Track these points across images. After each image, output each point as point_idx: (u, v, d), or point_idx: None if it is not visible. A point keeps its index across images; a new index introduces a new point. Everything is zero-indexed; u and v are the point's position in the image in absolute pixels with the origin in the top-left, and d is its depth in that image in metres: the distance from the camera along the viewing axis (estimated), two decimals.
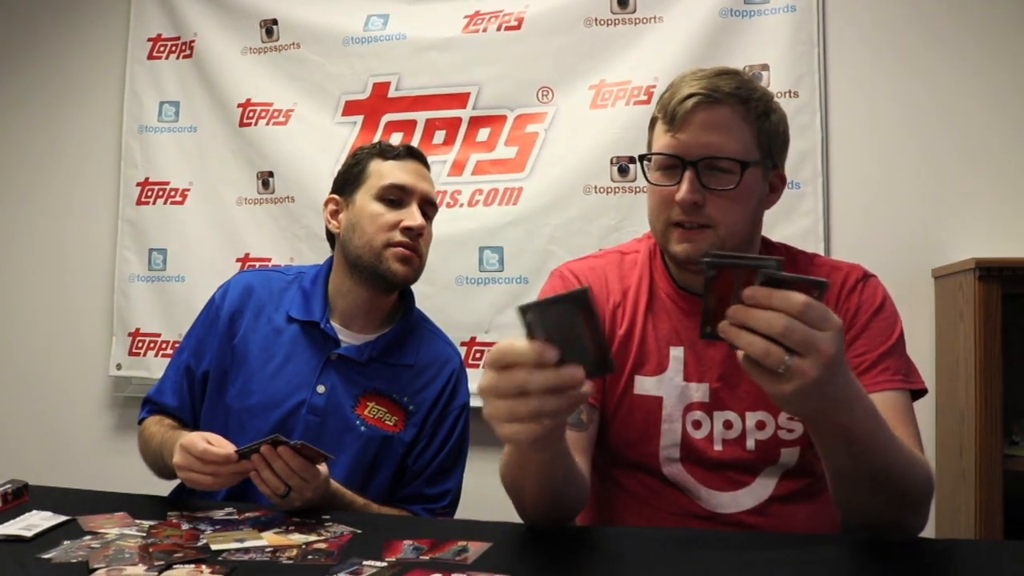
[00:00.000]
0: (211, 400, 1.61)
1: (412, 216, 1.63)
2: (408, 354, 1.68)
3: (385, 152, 1.69)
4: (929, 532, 1.83)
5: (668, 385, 1.36)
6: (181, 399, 1.66)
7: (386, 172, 1.66)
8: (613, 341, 1.39)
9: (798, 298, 0.85)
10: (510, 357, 0.87)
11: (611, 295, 1.41)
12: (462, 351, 2.79)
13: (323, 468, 1.37)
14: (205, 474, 1.36)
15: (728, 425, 1.35)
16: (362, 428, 1.59)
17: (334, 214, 1.73)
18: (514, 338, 0.88)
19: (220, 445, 1.37)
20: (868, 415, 0.99)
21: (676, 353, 1.36)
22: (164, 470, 1.50)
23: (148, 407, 1.71)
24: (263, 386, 1.60)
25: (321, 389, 1.60)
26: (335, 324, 1.66)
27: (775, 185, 1.36)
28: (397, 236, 1.62)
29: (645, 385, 1.37)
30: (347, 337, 1.65)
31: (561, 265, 1.49)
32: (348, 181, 1.71)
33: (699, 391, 1.35)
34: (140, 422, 1.71)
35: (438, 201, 1.76)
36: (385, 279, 1.62)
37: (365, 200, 1.66)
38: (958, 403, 2.32)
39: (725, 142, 1.26)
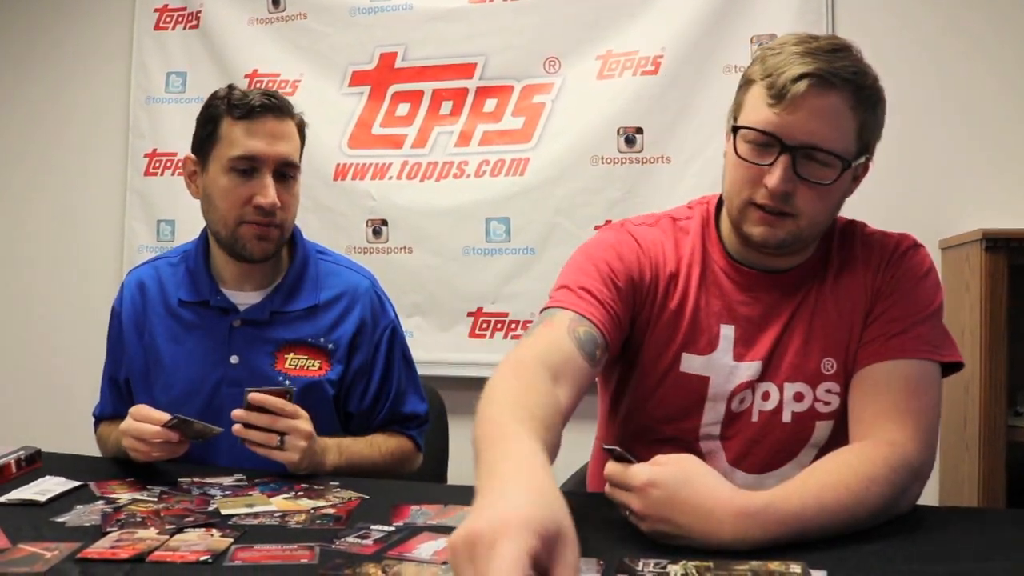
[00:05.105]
0: (141, 400, 1.57)
1: (264, 192, 1.53)
2: (308, 295, 1.63)
3: (235, 108, 1.54)
4: (932, 501, 1.84)
5: (716, 365, 1.30)
6: (117, 406, 1.67)
7: (236, 139, 1.53)
8: (663, 313, 1.32)
9: (607, 469, 1.07)
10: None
11: (667, 263, 1.33)
12: (468, 322, 2.84)
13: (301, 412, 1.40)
14: (152, 451, 1.38)
15: (766, 396, 1.31)
16: (287, 383, 1.56)
17: (192, 176, 1.62)
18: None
19: (149, 419, 1.38)
20: (767, 529, 0.99)
21: (727, 331, 1.31)
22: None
23: (96, 424, 1.73)
24: (180, 375, 1.59)
25: (234, 360, 1.58)
26: (228, 291, 1.62)
27: (859, 174, 1.28)
28: (250, 213, 1.54)
29: (693, 364, 1.31)
30: (245, 299, 1.62)
31: (619, 222, 1.41)
32: (202, 141, 1.59)
33: (750, 370, 1.30)
34: (96, 433, 1.73)
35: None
36: (243, 256, 1.58)
37: (216, 171, 1.55)
38: (963, 374, 2.30)
39: (830, 134, 1.18)
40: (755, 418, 1.31)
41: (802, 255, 1.32)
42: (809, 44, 1.19)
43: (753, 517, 0.98)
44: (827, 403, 1.30)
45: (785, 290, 1.32)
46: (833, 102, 1.17)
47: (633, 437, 1.40)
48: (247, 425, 1.38)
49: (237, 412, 1.37)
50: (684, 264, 1.34)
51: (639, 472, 1.01)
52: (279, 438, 1.36)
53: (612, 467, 1.04)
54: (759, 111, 1.20)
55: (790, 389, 1.30)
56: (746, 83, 1.26)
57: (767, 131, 1.19)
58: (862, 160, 1.25)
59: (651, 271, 1.33)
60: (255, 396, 1.37)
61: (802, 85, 1.15)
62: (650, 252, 1.34)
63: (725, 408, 1.32)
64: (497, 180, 2.81)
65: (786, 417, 1.31)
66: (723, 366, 1.31)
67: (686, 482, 1.00)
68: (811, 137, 1.18)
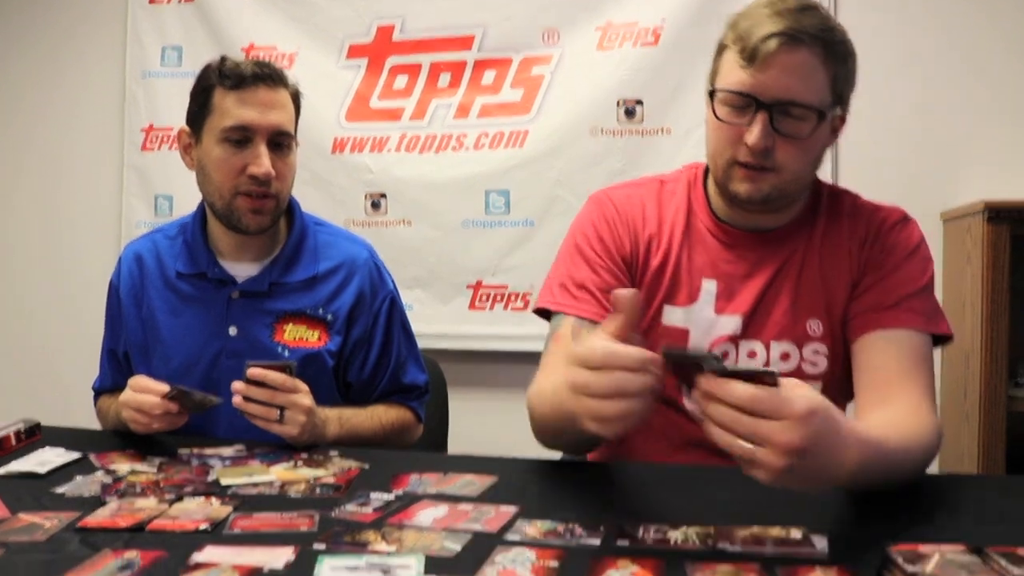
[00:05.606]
0: (140, 372, 1.56)
1: (257, 161, 1.51)
2: (307, 266, 1.63)
3: (227, 78, 1.53)
4: (931, 471, 1.85)
5: (697, 317, 1.34)
6: (116, 379, 1.67)
7: (228, 109, 1.52)
8: (646, 272, 1.37)
9: (742, 391, 0.82)
10: (612, 360, 0.88)
11: (647, 224, 1.38)
12: (468, 294, 2.84)
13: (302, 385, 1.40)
14: (152, 422, 1.38)
15: (752, 355, 1.33)
16: (285, 354, 1.56)
17: (187, 149, 1.62)
18: (603, 337, 0.90)
19: (149, 391, 1.38)
20: (879, 470, 0.98)
21: (708, 286, 1.35)
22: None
23: (96, 397, 1.74)
24: (178, 348, 1.59)
25: (233, 331, 1.57)
26: (226, 263, 1.62)
27: (836, 126, 1.32)
28: (245, 184, 1.53)
29: (673, 316, 1.35)
30: (243, 271, 1.61)
31: (600, 190, 1.46)
32: (196, 113, 1.58)
33: (731, 323, 1.33)
34: (95, 406, 1.73)
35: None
36: (239, 228, 1.57)
37: (210, 142, 1.54)
38: (963, 345, 2.32)
39: (803, 88, 1.22)
40: None
41: (787, 214, 1.35)
42: (777, 6, 1.23)
43: (868, 456, 0.94)
44: (814, 364, 1.33)
45: (769, 248, 1.35)
46: (804, 57, 1.21)
47: None
48: (247, 398, 1.37)
49: (237, 385, 1.37)
50: (667, 224, 1.38)
51: (799, 397, 0.83)
52: (279, 412, 1.36)
53: (746, 389, 0.82)
54: (733, 73, 1.24)
55: (776, 348, 1.33)
56: (720, 50, 1.30)
57: (742, 91, 1.23)
58: (837, 111, 1.29)
59: (630, 237, 1.38)
60: (254, 371, 1.36)
61: (772, 43, 1.20)
62: (627, 216, 1.39)
63: None
64: (496, 152, 2.80)
65: None
66: (703, 319, 1.34)
67: (831, 407, 0.88)
68: (785, 92, 1.21)
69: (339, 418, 1.51)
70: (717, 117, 1.27)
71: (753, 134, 1.22)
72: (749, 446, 0.83)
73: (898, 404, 1.19)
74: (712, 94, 1.27)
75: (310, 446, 1.40)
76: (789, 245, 1.35)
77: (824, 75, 1.23)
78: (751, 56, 1.21)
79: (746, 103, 1.23)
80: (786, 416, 0.82)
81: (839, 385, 1.34)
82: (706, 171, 1.41)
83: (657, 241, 1.37)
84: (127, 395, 1.40)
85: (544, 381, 1.24)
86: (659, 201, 1.40)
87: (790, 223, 1.36)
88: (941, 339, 1.32)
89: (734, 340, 1.34)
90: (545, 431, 1.25)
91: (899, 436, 1.08)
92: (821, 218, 1.36)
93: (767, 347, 1.33)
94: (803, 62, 1.21)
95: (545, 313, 1.40)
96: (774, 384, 0.82)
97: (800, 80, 1.21)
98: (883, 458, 1.00)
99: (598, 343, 0.89)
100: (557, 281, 1.38)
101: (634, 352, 0.87)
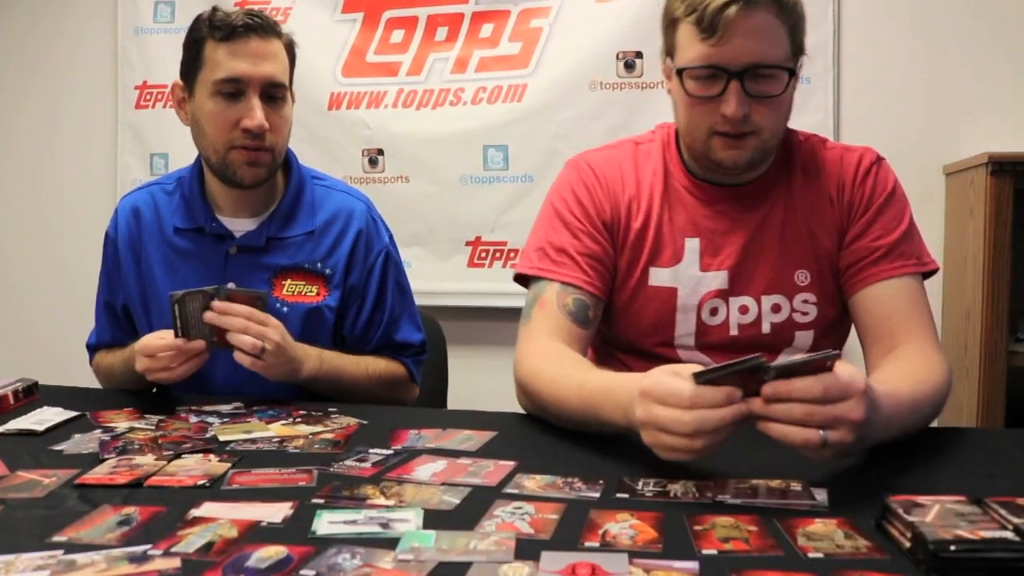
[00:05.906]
0: (141, 325, 1.59)
1: (251, 114, 1.49)
2: (304, 220, 1.61)
3: (218, 29, 1.50)
4: (931, 426, 1.85)
5: (683, 276, 1.35)
6: (114, 333, 1.67)
7: (219, 61, 1.49)
8: (628, 235, 1.38)
9: (815, 387, 0.87)
10: (700, 400, 0.89)
11: (626, 187, 1.39)
12: (467, 251, 2.83)
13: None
14: (172, 367, 1.38)
15: (744, 310, 1.35)
16: (284, 309, 1.56)
17: (181, 103, 1.59)
18: (679, 376, 0.91)
19: (165, 349, 1.38)
20: (902, 423, 1.02)
21: (692, 244, 1.36)
22: (138, 381, 1.50)
23: (92, 353, 1.73)
24: None
25: (231, 286, 1.53)
26: (224, 218, 1.60)
27: (798, 73, 1.31)
28: (239, 137, 1.50)
29: (660, 276, 1.36)
30: (241, 225, 1.60)
31: (576, 155, 1.46)
32: (188, 66, 1.55)
33: (716, 279, 1.35)
34: (92, 364, 1.73)
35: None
36: (235, 182, 1.55)
37: (203, 96, 1.52)
38: (965, 300, 2.32)
39: (768, 48, 1.22)
40: (734, 331, 1.36)
41: (761, 167, 1.36)
42: None
43: (893, 411, 0.99)
44: (805, 313, 1.36)
45: (748, 202, 1.36)
46: (762, 17, 1.20)
47: (615, 352, 1.45)
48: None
49: (209, 315, 1.37)
50: (645, 185, 1.39)
51: (853, 373, 0.90)
52: (261, 344, 1.36)
53: (817, 383, 0.87)
54: (695, 48, 1.23)
55: (767, 301, 1.36)
56: (671, 23, 1.28)
57: (710, 65, 1.22)
58: (801, 61, 1.29)
59: (610, 201, 1.38)
60: (218, 304, 1.36)
61: (732, 11, 1.18)
62: (606, 181, 1.39)
63: (696, 319, 1.36)
64: (494, 107, 2.78)
65: (765, 328, 1.36)
66: (690, 276, 1.36)
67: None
68: (752, 57, 1.21)
69: (320, 356, 1.50)
70: (689, 94, 1.26)
71: (730, 105, 1.22)
72: (822, 433, 0.87)
73: (907, 352, 1.22)
74: (679, 72, 1.26)
75: (301, 393, 1.39)
76: (768, 198, 1.36)
77: (783, 29, 1.23)
78: (710, 27, 1.20)
79: (715, 75, 1.23)
80: (853, 394, 0.88)
81: (829, 332, 1.37)
82: (677, 131, 1.40)
83: (637, 203, 1.38)
84: (145, 364, 1.39)
85: (546, 366, 1.23)
86: (635, 163, 1.41)
87: (765, 175, 1.36)
88: (930, 273, 1.35)
89: (723, 295, 1.35)
90: (559, 416, 1.21)
91: (917, 385, 1.12)
92: (797, 168, 1.38)
93: (758, 301, 1.35)
94: (762, 22, 1.21)
95: (524, 280, 1.40)
96: (832, 366, 0.88)
97: (763, 41, 1.21)
98: (906, 409, 1.04)
99: (684, 385, 0.90)
100: (536, 247, 1.39)
101: (718, 391, 0.89)
